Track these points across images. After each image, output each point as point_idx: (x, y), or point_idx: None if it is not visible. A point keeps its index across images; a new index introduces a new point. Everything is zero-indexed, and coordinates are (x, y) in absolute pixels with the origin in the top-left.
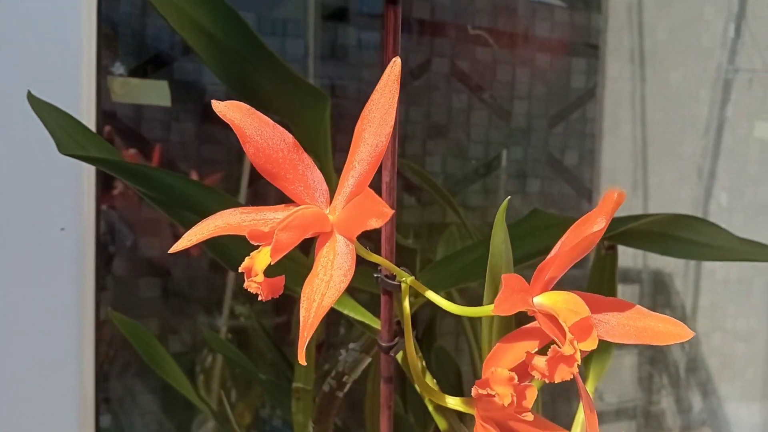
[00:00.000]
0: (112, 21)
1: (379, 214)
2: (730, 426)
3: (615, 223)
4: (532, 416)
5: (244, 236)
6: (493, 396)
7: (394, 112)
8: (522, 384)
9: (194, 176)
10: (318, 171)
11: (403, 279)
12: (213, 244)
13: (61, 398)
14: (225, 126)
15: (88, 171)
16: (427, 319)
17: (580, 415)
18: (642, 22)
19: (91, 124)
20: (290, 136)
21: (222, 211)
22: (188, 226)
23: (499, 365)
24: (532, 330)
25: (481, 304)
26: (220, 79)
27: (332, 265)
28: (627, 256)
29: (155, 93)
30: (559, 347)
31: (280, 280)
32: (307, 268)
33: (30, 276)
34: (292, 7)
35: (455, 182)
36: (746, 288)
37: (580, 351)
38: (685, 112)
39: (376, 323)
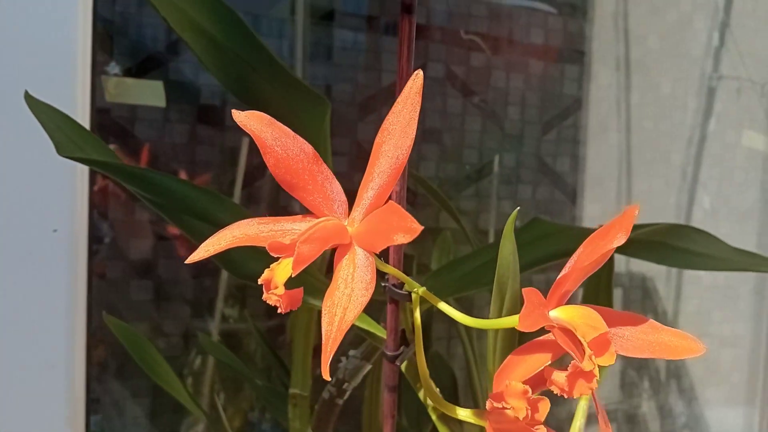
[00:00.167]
0: (108, 20)
1: (407, 230)
2: (712, 430)
3: None
4: (545, 429)
5: (249, 246)
6: (508, 409)
7: (416, 124)
8: (535, 397)
9: (182, 176)
10: (337, 182)
11: (415, 289)
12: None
13: (52, 399)
14: (219, 128)
15: (81, 173)
16: (422, 325)
17: (577, 422)
18: (628, 30)
19: (85, 124)
20: (310, 146)
21: (239, 222)
22: (190, 230)
23: (511, 378)
24: (544, 343)
25: (476, 312)
26: (218, 81)
27: (353, 278)
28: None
29: (150, 93)
30: (579, 363)
31: (299, 293)
32: (311, 275)
33: (22, 277)
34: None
35: (449, 187)
36: (732, 294)
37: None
38: (672, 120)
39: (380, 331)
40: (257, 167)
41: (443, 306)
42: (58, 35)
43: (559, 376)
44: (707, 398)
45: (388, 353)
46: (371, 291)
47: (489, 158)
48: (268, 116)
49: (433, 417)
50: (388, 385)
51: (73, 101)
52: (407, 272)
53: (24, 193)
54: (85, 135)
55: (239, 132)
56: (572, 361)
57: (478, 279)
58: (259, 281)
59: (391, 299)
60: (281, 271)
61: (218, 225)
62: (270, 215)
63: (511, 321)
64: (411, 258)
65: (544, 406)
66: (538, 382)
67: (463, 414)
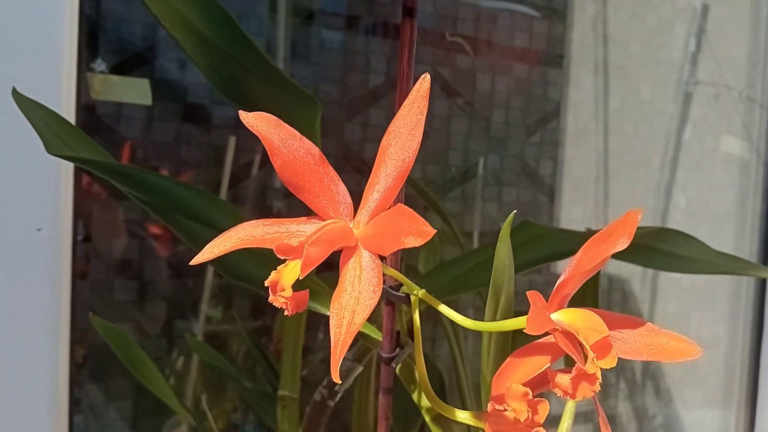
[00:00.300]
0: (94, 16)
1: (419, 233)
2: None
3: None
4: (544, 431)
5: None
6: (509, 411)
7: (422, 127)
8: (534, 399)
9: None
10: (342, 184)
11: (414, 291)
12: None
13: (34, 400)
14: (206, 127)
15: (66, 171)
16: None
17: (565, 423)
18: (607, 35)
19: (70, 121)
20: (316, 148)
21: (243, 223)
22: (182, 230)
23: (510, 380)
24: (543, 345)
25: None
26: (208, 80)
27: (360, 280)
28: None
29: (136, 91)
30: (582, 366)
31: (305, 295)
32: (307, 278)
33: (5, 276)
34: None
35: (434, 189)
36: (710, 297)
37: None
38: (651, 124)
39: (375, 333)
40: (243, 167)
41: (443, 308)
42: (44, 31)
43: (563, 379)
44: (684, 400)
45: (384, 355)
46: (379, 294)
47: (474, 160)
48: (276, 118)
49: (427, 418)
50: (383, 387)
51: (58, 98)
52: None
53: (7, 192)
54: (75, 133)
55: (226, 132)
56: (576, 364)
57: (469, 282)
58: (266, 283)
59: (387, 301)
60: (288, 274)
61: (212, 225)
62: (257, 217)
63: (517, 323)
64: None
65: (544, 408)
66: (537, 384)
67: (462, 416)
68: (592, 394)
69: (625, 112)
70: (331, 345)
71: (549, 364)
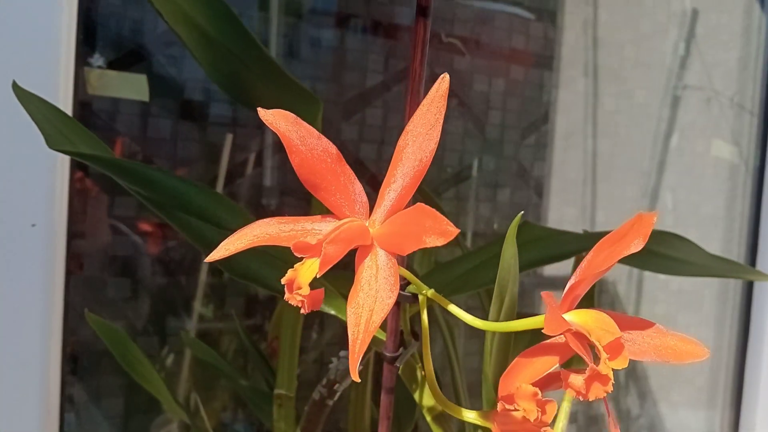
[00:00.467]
0: (92, 11)
1: (441, 233)
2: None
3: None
4: (552, 430)
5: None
6: (519, 411)
7: (440, 127)
8: (543, 399)
9: None
10: (359, 183)
11: (423, 291)
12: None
13: (25, 397)
14: (202, 124)
15: (61, 166)
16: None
17: (560, 423)
18: (598, 37)
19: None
20: (334, 147)
21: (258, 221)
22: (184, 227)
23: (518, 380)
24: (551, 346)
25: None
26: (209, 77)
27: (376, 279)
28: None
29: (133, 87)
30: (595, 366)
31: (321, 293)
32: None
33: None
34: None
35: (431, 189)
36: (697, 299)
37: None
38: (642, 127)
39: (379, 333)
40: (239, 165)
41: (453, 308)
42: (42, 25)
43: (577, 379)
44: (670, 400)
45: (388, 354)
46: (396, 292)
47: (468, 161)
48: (294, 115)
49: (428, 418)
50: (385, 386)
51: (55, 93)
52: None
53: (2, 187)
54: (76, 127)
55: (222, 129)
56: (590, 365)
57: (470, 282)
58: (282, 281)
59: None
60: (306, 272)
61: (215, 223)
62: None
63: (531, 323)
64: None
65: (551, 408)
66: (544, 385)
67: (470, 416)
68: (604, 394)
69: (617, 115)
70: (349, 344)
71: (557, 365)
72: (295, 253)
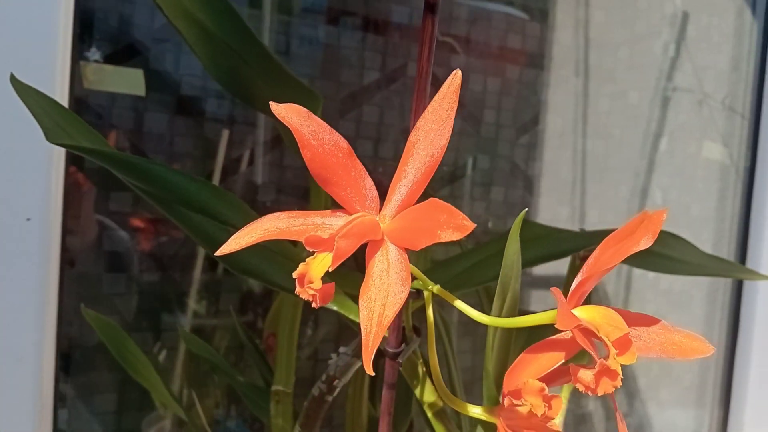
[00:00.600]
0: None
1: (457, 227)
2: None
3: (596, 236)
4: (556, 425)
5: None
6: (526, 406)
7: (452, 123)
8: (549, 394)
9: None
10: (369, 178)
11: (429, 287)
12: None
13: (19, 393)
14: (198, 120)
15: (57, 160)
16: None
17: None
18: (589, 38)
19: None
20: (345, 141)
21: (268, 215)
22: (186, 222)
23: (524, 375)
24: (557, 342)
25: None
26: (208, 72)
27: (388, 273)
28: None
29: (129, 81)
30: (604, 362)
31: (332, 287)
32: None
33: None
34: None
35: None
36: (687, 299)
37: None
38: (634, 128)
39: None
40: (234, 161)
41: (459, 304)
42: (39, 18)
43: (586, 375)
44: (659, 399)
45: (390, 350)
46: (408, 286)
47: (463, 160)
48: (306, 110)
49: (429, 414)
50: (387, 382)
51: (52, 87)
52: None
53: None
54: (75, 121)
55: (218, 125)
56: (599, 360)
57: (471, 278)
58: (294, 275)
59: None
60: (318, 266)
61: (217, 218)
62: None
63: (544, 318)
64: None
65: (557, 403)
66: (549, 380)
67: (475, 411)
68: (612, 389)
69: (609, 116)
70: (362, 338)
71: (563, 360)
72: (307, 247)
